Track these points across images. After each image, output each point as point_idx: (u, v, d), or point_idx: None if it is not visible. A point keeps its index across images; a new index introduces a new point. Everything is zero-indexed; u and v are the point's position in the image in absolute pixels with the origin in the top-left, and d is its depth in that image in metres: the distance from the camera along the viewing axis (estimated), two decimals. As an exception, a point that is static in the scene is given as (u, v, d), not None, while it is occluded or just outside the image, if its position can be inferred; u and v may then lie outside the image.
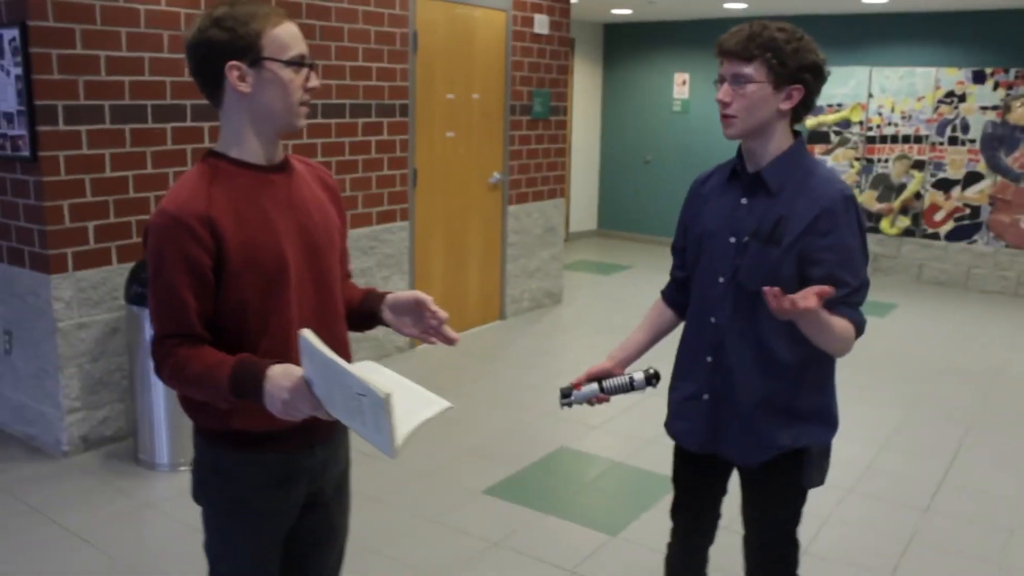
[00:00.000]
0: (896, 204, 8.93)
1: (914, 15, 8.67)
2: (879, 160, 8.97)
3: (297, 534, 2.01)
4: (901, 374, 5.92)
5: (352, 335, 5.66)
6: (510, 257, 6.88)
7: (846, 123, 9.09)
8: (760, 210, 2.12)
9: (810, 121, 9.24)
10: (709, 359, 2.23)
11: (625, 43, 10.66)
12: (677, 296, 2.41)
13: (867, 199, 9.06)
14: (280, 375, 1.63)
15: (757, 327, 2.12)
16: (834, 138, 9.17)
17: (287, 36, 1.77)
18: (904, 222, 8.92)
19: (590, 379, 2.30)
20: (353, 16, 5.28)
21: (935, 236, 8.77)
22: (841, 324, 2.00)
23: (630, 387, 2.25)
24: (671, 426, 2.36)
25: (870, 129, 8.96)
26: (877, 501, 4.04)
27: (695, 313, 2.28)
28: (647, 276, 8.63)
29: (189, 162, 4.50)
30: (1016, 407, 5.33)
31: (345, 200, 5.28)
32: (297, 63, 1.78)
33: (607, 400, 2.30)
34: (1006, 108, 8.22)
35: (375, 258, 5.69)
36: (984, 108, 8.34)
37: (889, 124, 8.86)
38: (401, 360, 5.91)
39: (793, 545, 2.33)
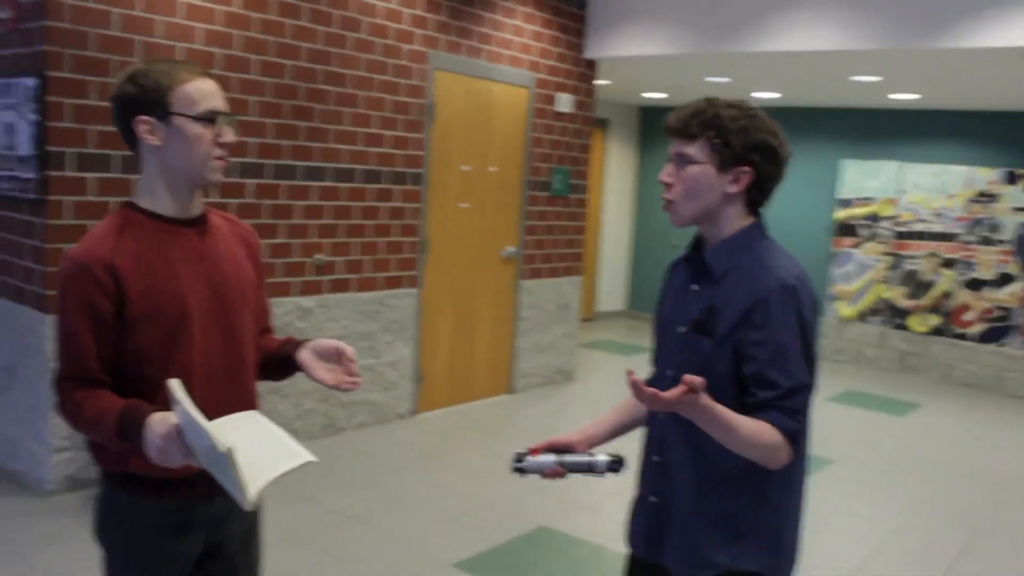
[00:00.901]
0: (925, 302, 8.77)
1: (947, 112, 8.63)
2: (909, 256, 8.85)
3: None
4: (910, 475, 5.72)
5: (354, 399, 5.63)
6: (522, 331, 6.86)
7: (875, 217, 9.00)
8: (705, 297, 1.94)
9: (840, 214, 9.18)
10: (655, 458, 2.05)
11: (660, 126, 10.71)
12: None
13: (896, 295, 8.92)
14: (157, 422, 1.66)
15: (696, 426, 1.82)
16: (863, 232, 9.08)
17: (196, 92, 1.82)
18: (933, 320, 8.74)
19: (551, 449, 2.08)
20: (369, 84, 5.40)
21: (963, 336, 8.57)
22: (752, 427, 1.78)
23: (590, 469, 2.04)
24: (627, 530, 2.17)
25: (900, 225, 8.87)
26: (862, 602, 3.88)
27: (648, 411, 2.09)
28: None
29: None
30: (1027, 516, 5.12)
31: (352, 263, 5.39)
32: (206, 118, 1.82)
33: (563, 475, 2.06)
34: (1039, 210, 8.10)
35: (380, 322, 5.71)
36: (1017, 209, 8.21)
37: (920, 220, 8.76)
38: (402, 426, 5.88)
39: None
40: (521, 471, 2.07)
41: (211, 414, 1.68)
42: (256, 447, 1.63)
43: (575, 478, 2.12)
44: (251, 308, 2.02)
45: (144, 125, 1.81)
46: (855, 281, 9.17)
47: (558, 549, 4.22)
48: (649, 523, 2.06)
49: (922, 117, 8.78)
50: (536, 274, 6.93)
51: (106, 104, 4.18)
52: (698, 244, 2.04)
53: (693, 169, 1.91)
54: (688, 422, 1.80)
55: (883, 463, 5.92)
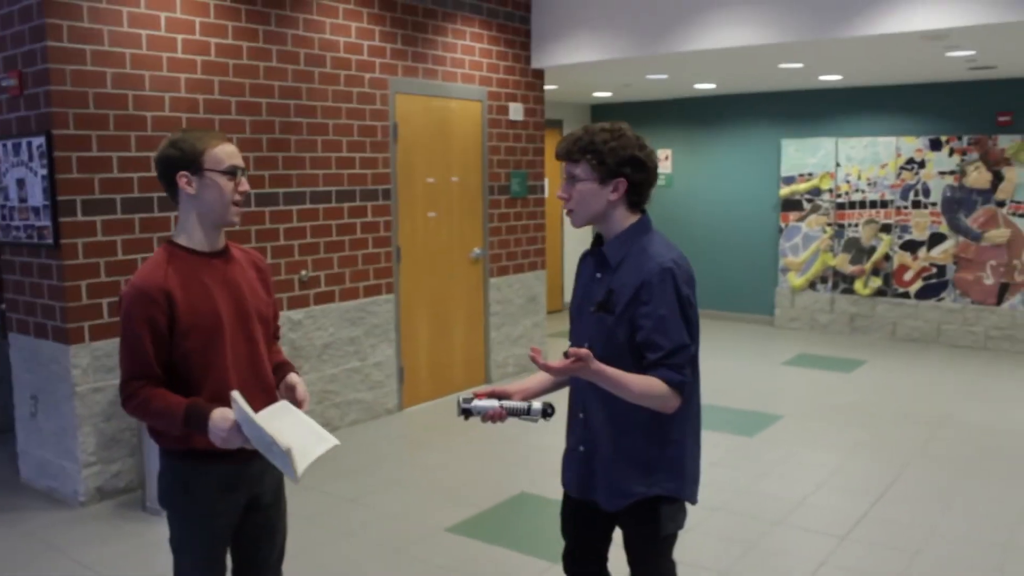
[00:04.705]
0: (867, 266, 9.44)
1: (871, 89, 9.31)
2: (850, 225, 9.52)
3: (243, 533, 2.58)
4: (853, 422, 6.37)
5: (346, 399, 6.37)
6: (493, 325, 7.45)
7: (817, 191, 9.66)
8: (606, 282, 2.45)
9: (784, 190, 9.83)
10: (581, 415, 2.56)
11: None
12: None
13: (840, 262, 9.59)
14: (219, 418, 2.27)
15: (607, 393, 2.34)
16: (806, 205, 9.74)
17: (223, 153, 2.43)
18: (876, 283, 9.41)
19: (492, 395, 2.48)
20: (337, 113, 5.98)
21: (906, 295, 9.25)
22: (642, 382, 2.28)
23: (527, 412, 2.45)
24: (561, 476, 2.68)
25: (839, 196, 9.54)
26: (801, 531, 4.49)
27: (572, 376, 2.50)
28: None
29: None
30: (953, 450, 5.76)
31: (333, 276, 6.01)
32: (229, 172, 2.43)
33: (503, 418, 2.46)
34: (962, 173, 8.78)
35: (363, 328, 6.29)
36: (942, 173, 8.89)
37: (857, 191, 9.43)
38: (391, 420, 6.46)
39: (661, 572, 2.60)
40: (467, 412, 2.45)
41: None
42: (296, 434, 2.26)
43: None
44: (263, 319, 2.60)
45: (183, 179, 2.42)
46: (802, 252, 9.84)
47: (537, 509, 4.83)
48: (579, 469, 2.61)
49: (850, 95, 9.45)
50: (503, 271, 7.53)
51: (106, 154, 4.76)
52: (599, 240, 2.54)
53: (580, 186, 2.42)
54: (596, 386, 2.36)
55: (828, 415, 6.57)
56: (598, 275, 2.50)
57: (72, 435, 4.84)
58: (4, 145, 4.92)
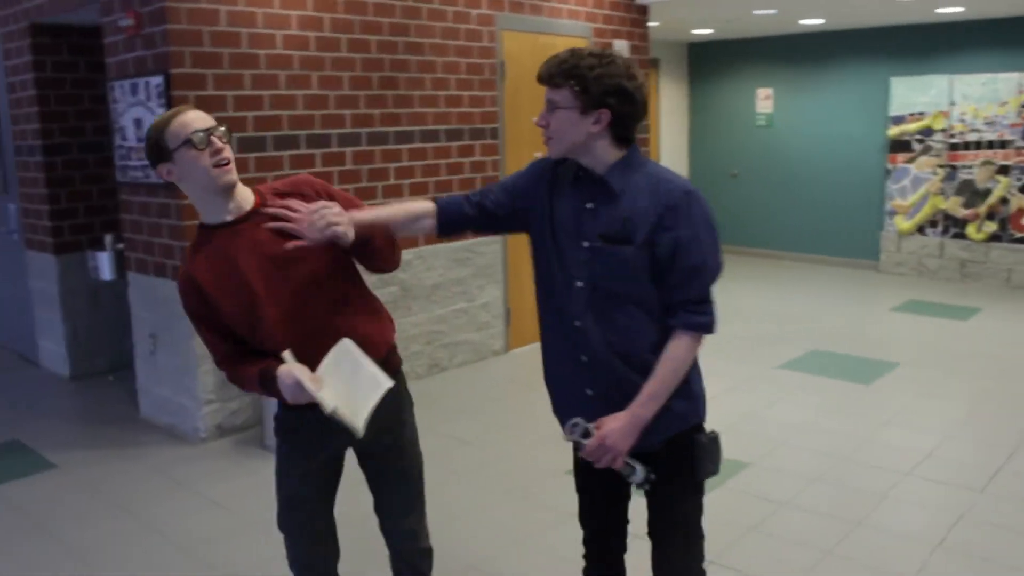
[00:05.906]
0: (982, 210, 9.02)
1: (992, 21, 8.79)
2: (963, 167, 9.09)
3: (368, 481, 2.64)
4: (974, 373, 6.10)
5: (454, 340, 6.21)
6: (596, 267, 7.32)
7: (928, 131, 9.23)
8: (608, 213, 2.21)
9: (892, 130, 9.42)
10: (584, 359, 2.28)
11: (709, 61, 11.02)
12: (457, 217, 2.46)
13: (952, 205, 9.18)
14: (285, 375, 2.21)
15: (617, 328, 2.21)
16: (916, 146, 9.32)
17: (179, 126, 2.20)
18: (991, 227, 8.99)
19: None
20: (445, 50, 5.85)
21: (1023, 241, 8.82)
22: (668, 371, 2.18)
23: (631, 473, 2.25)
24: (563, 424, 2.36)
25: (953, 136, 9.09)
26: (934, 483, 4.32)
27: (555, 316, 2.33)
28: (734, 286, 8.88)
29: (304, 185, 5.12)
30: (1086, 400, 5.49)
31: (441, 216, 5.79)
32: (187, 143, 2.18)
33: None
34: (1091, 111, 8.28)
35: (470, 269, 6.23)
36: (1068, 111, 8.41)
37: (972, 130, 8.98)
38: (497, 362, 6.43)
39: (693, 536, 2.42)
40: (579, 441, 2.24)
41: (303, 362, 2.22)
42: (347, 389, 2.20)
43: None
44: (317, 257, 2.32)
45: (164, 170, 2.25)
46: (911, 195, 9.44)
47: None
48: (596, 413, 2.27)
49: (968, 28, 8.94)
50: (606, 213, 7.37)
51: (221, 93, 4.73)
52: (580, 169, 2.28)
53: (560, 113, 2.18)
54: (611, 324, 2.21)
55: (948, 363, 6.31)
56: (588, 205, 2.25)
57: (191, 374, 4.90)
58: (121, 85, 4.93)
